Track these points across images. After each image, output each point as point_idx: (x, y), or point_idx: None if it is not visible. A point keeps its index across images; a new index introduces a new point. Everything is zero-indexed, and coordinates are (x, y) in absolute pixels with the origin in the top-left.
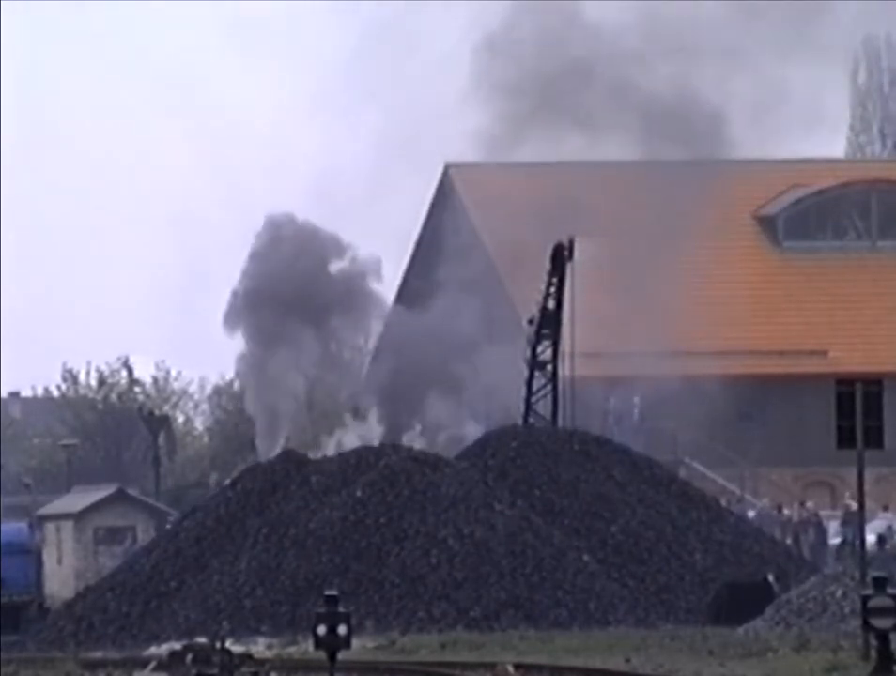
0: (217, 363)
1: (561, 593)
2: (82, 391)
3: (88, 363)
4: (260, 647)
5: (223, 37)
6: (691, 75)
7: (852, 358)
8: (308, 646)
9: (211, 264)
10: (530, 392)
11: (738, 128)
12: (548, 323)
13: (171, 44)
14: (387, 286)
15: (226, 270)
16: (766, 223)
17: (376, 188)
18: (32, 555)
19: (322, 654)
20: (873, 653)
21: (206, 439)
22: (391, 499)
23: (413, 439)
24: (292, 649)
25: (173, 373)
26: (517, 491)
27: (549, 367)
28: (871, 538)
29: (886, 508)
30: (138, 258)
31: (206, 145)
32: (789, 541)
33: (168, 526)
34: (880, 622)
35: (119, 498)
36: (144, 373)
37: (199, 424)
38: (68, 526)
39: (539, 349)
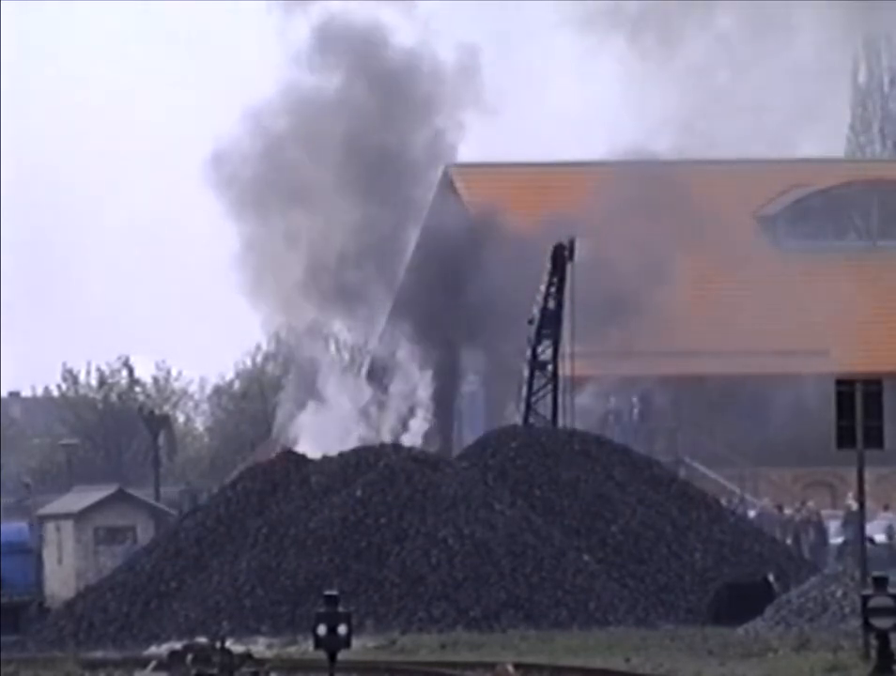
0: (217, 363)
1: (561, 593)
2: (82, 391)
3: (88, 363)
4: (260, 647)
5: None
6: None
7: (852, 358)
8: (308, 646)
9: (211, 262)
10: (530, 392)
11: (739, 127)
12: (549, 323)
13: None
14: None
15: (226, 268)
16: (766, 223)
17: None
18: (32, 555)
19: (322, 654)
20: (873, 653)
21: (206, 439)
22: (391, 499)
23: None
24: (292, 649)
25: (173, 373)
26: (517, 491)
27: (549, 367)
28: (881, 537)
29: (886, 508)
30: (139, 258)
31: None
32: (789, 541)
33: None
34: (880, 622)
35: (119, 498)
36: (144, 373)
37: (199, 424)
38: (68, 526)
39: (539, 349)
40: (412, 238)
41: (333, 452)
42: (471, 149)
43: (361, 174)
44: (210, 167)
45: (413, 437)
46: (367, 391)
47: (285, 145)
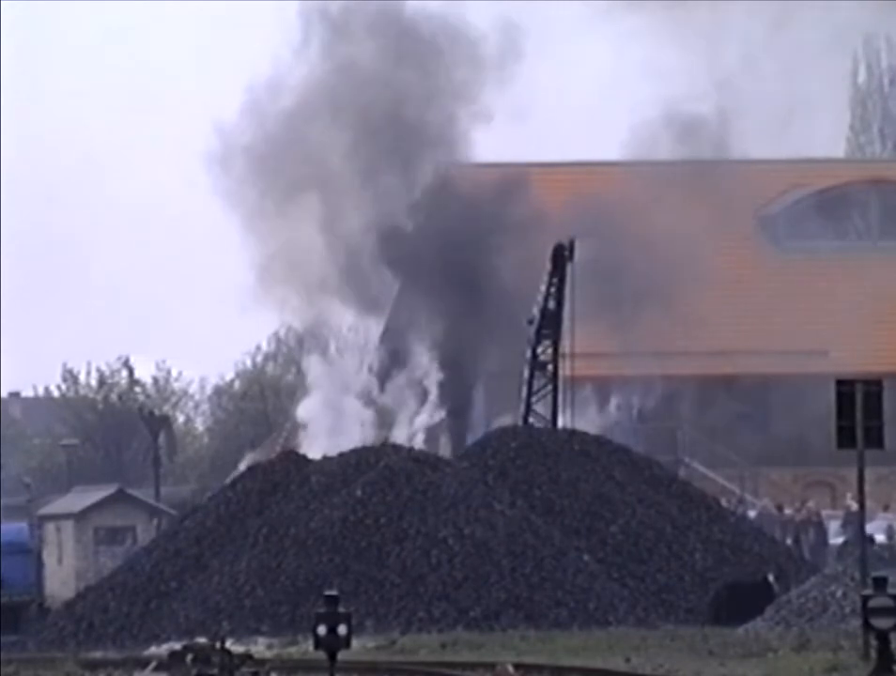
0: (217, 363)
1: (561, 593)
2: (82, 392)
3: (88, 363)
4: (260, 647)
5: None
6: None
7: (852, 358)
8: (308, 646)
9: (212, 263)
10: (530, 392)
11: (739, 127)
12: (549, 323)
13: None
14: None
15: (226, 269)
16: (766, 223)
17: None
18: (32, 555)
19: (322, 654)
20: (873, 653)
21: (206, 440)
22: (391, 499)
23: None
24: (292, 649)
25: (173, 373)
26: (517, 491)
27: (549, 367)
28: (880, 537)
29: (886, 508)
30: (139, 258)
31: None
32: (789, 541)
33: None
34: (880, 622)
35: (119, 498)
36: (144, 373)
37: (199, 425)
38: (68, 526)
39: (539, 349)
40: (418, 227)
41: (339, 403)
42: (476, 142)
43: (374, 154)
44: (212, 159)
45: (429, 409)
46: (377, 359)
47: (293, 124)
